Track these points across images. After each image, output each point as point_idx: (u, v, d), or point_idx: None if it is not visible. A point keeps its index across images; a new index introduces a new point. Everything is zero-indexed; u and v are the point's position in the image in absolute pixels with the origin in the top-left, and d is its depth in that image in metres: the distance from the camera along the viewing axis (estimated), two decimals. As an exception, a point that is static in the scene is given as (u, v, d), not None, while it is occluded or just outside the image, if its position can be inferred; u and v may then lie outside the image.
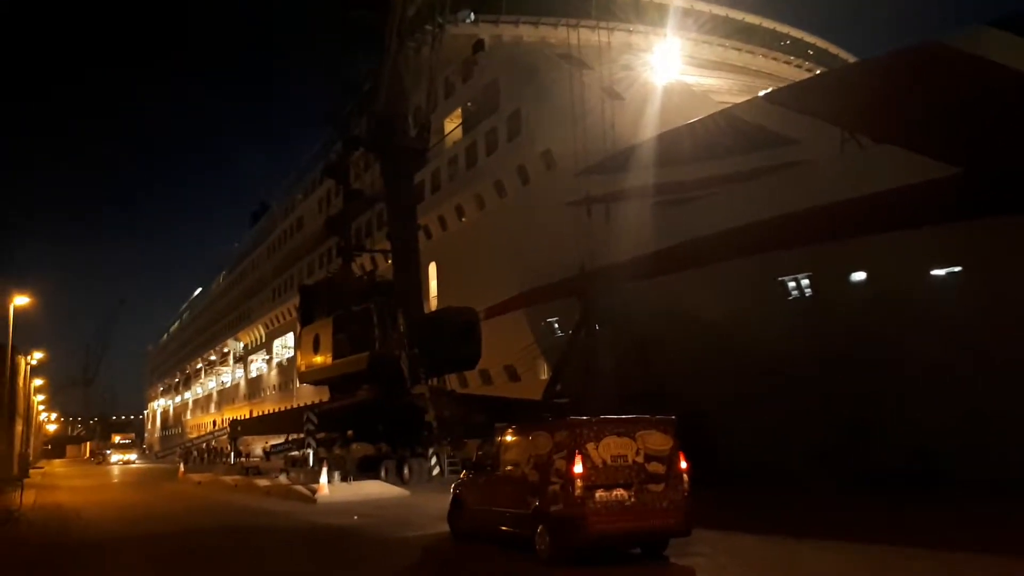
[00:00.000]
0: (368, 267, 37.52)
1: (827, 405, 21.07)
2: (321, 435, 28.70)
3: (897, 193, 20.67)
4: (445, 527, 13.93)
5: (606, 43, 33.33)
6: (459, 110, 39.72)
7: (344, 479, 22.99)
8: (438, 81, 32.66)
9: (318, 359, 31.46)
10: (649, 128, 28.39)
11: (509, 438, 11.97)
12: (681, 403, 17.64)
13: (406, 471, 24.47)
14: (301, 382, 39.80)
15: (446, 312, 29.88)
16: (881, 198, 20.93)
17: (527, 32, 37.89)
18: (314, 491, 20.74)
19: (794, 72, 39.87)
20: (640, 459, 10.10)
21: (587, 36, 33.84)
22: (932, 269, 20.93)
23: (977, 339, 19.06)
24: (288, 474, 27.58)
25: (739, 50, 39.20)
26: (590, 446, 9.98)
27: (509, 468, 11.64)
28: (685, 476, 10.31)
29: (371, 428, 27.57)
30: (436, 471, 24.31)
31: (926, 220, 20.26)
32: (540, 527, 10.43)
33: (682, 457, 10.37)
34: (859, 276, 22.22)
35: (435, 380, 28.17)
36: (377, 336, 28.20)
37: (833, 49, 43.12)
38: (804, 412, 21.03)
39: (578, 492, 9.83)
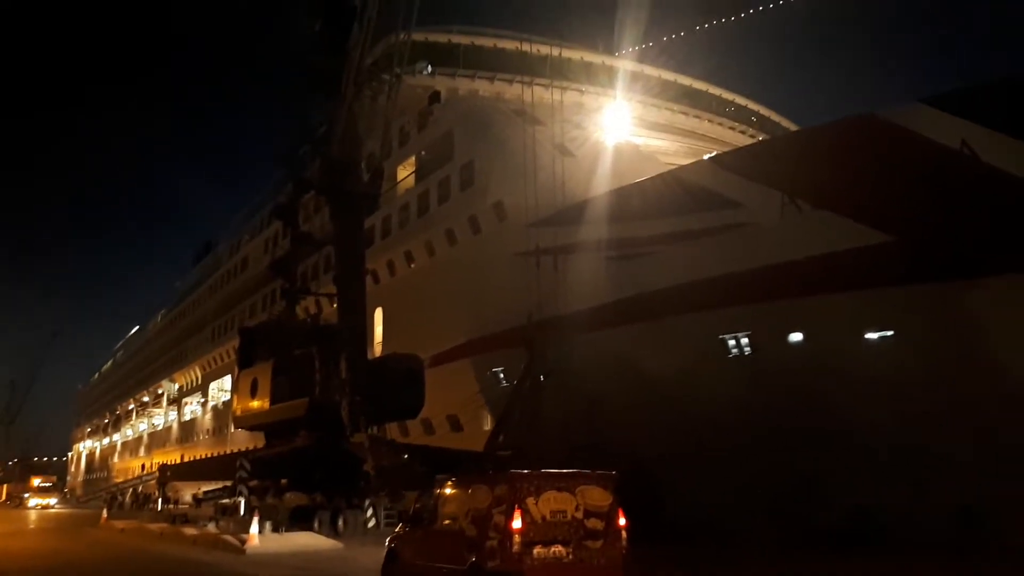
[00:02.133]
0: (312, 311, 37.05)
1: (769, 463, 21.36)
2: (254, 483, 27.83)
3: (833, 257, 21.41)
4: (376, 581, 13.58)
5: (558, 102, 34.11)
6: (413, 158, 39.99)
7: (276, 529, 22.24)
8: (393, 129, 32.90)
9: (255, 403, 30.68)
10: (599, 185, 29.00)
11: (448, 491, 11.79)
12: (625, 457, 17.71)
13: (340, 523, 23.78)
14: (236, 427, 38.73)
15: (390, 359, 29.54)
16: (818, 262, 21.65)
17: (483, 87, 38.57)
18: (243, 541, 20.02)
19: (738, 137, 41.29)
20: (579, 515, 10.04)
21: (540, 94, 34.64)
22: (866, 332, 21.57)
23: (909, 401, 19.62)
24: (217, 523, 26.58)
25: (686, 114, 40.48)
26: (530, 500, 9.89)
27: (447, 522, 11.44)
28: (623, 533, 10.27)
29: (307, 477, 26.81)
30: (372, 523, 23.69)
31: (860, 284, 21.00)
32: (476, 583, 10.24)
33: (621, 513, 10.34)
34: (796, 337, 22.79)
35: (375, 429, 27.66)
36: (318, 381, 27.68)
37: (775, 117, 44.81)
38: (746, 469, 21.27)
39: (516, 548, 9.70)
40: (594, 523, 10.04)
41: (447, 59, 38.91)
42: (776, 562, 16.89)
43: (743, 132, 42.08)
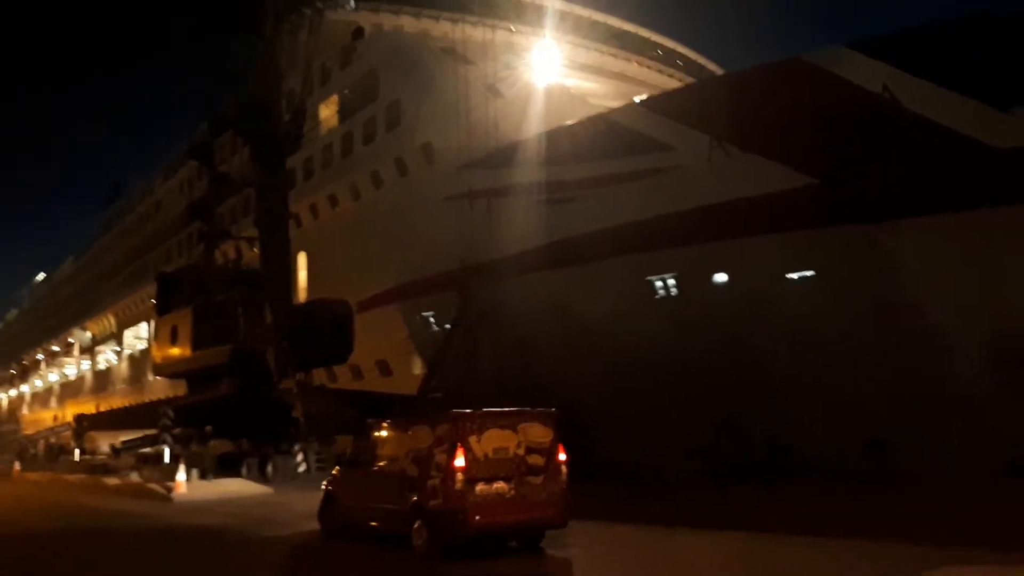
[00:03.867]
0: (233, 255, 35.85)
1: (693, 401, 21.97)
2: (178, 431, 27.13)
3: (757, 200, 21.79)
4: (314, 525, 13.44)
5: (488, 40, 33.37)
6: (335, 97, 38.60)
7: (203, 476, 21.83)
8: (314, 67, 31.64)
9: (176, 351, 29.74)
10: (530, 127, 28.64)
11: (386, 432, 11.67)
12: (558, 399, 17.90)
13: (269, 468, 23.52)
14: (156, 375, 37.54)
15: (318, 304, 28.96)
16: (742, 204, 21.99)
17: (408, 23, 37.37)
18: (170, 489, 19.55)
19: (665, 80, 41.31)
20: (521, 451, 10.07)
21: (469, 32, 33.80)
22: (787, 273, 22.17)
23: (827, 339, 20.36)
24: (140, 472, 25.88)
25: (615, 56, 40.21)
26: (472, 439, 9.85)
27: (386, 463, 11.34)
28: (563, 468, 10.35)
29: (232, 424, 26.31)
30: (302, 468, 23.48)
31: (783, 227, 21.48)
32: (418, 522, 10.20)
33: (561, 449, 10.41)
34: (721, 278, 23.27)
35: (302, 375, 27.23)
36: (242, 328, 26.96)
37: (702, 60, 45.01)
38: (672, 408, 21.81)
39: (458, 486, 9.68)
40: (535, 459, 10.09)
41: (371, -7, 37.56)
42: (698, 494, 17.49)
43: (671, 76, 42.11)
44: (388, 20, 37.46)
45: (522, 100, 30.35)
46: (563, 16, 38.64)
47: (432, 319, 31.72)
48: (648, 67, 41.56)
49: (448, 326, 29.77)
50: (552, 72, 34.21)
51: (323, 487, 13.13)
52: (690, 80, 41.66)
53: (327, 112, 38.56)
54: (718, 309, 22.69)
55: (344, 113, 37.49)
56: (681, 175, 23.25)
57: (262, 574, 10.63)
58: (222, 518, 15.83)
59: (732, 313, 22.08)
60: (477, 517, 9.69)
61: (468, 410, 10.38)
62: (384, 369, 35.39)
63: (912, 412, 18.95)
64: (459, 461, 9.72)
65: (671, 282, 24.41)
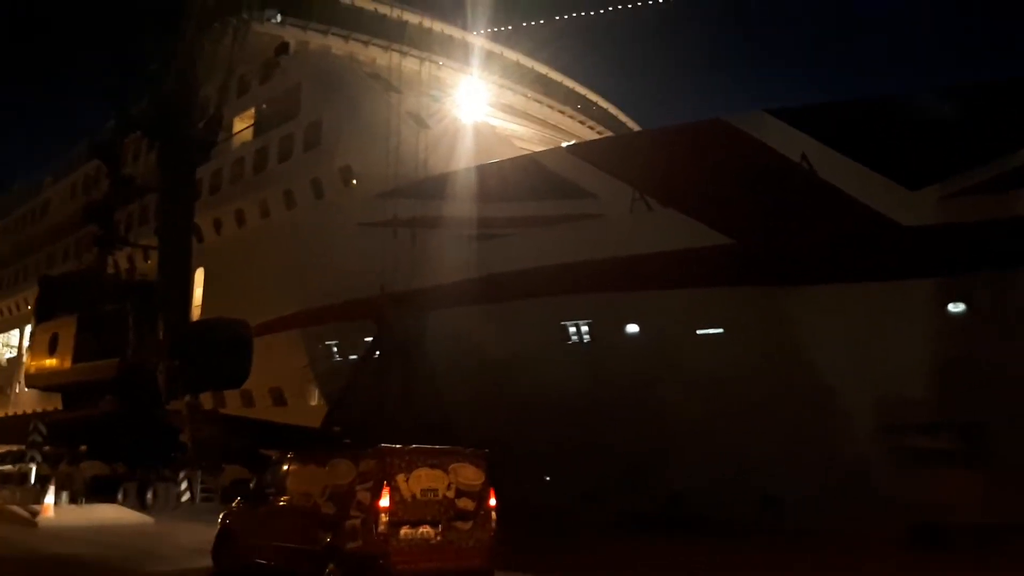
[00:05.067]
0: (126, 265, 33.65)
1: (597, 447, 21.86)
2: (47, 449, 24.83)
3: (673, 255, 22.18)
4: (202, 561, 12.35)
5: (416, 72, 33.08)
6: (252, 111, 37.31)
7: (73, 501, 19.92)
8: (233, 77, 30.48)
9: (53, 361, 27.42)
10: (455, 161, 28.39)
11: (299, 465, 10.80)
12: (467, 438, 17.37)
13: (149, 496, 21.72)
14: (28, 386, 34.49)
15: (216, 323, 27.37)
16: (659, 257, 22.36)
17: (336, 44, 36.66)
18: (36, 513, 17.66)
19: (584, 131, 42.03)
20: (451, 494, 9.44)
21: (397, 61, 33.53)
22: (697, 328, 22.53)
23: (731, 395, 20.70)
24: (0, 492, 23.44)
25: (539, 102, 40.67)
26: (400, 477, 9.17)
27: (297, 498, 10.45)
28: (493, 514, 9.78)
29: (110, 445, 24.30)
30: (186, 497, 21.81)
31: (695, 282, 21.90)
32: (330, 566, 9.36)
33: (492, 494, 9.85)
34: (633, 328, 23.46)
35: (192, 397, 25.56)
36: (131, 342, 25.09)
37: (622, 116, 46.14)
38: (576, 453, 21.63)
39: (382, 528, 8.95)
40: (465, 503, 9.49)
41: (299, 10, 36.67)
42: (602, 543, 17.22)
43: (591, 128, 42.92)
44: (315, 39, 36.67)
45: (449, 134, 30.09)
46: (491, 56, 38.87)
47: (335, 348, 30.64)
48: (570, 116, 42.21)
49: (352, 357, 28.87)
50: (478, 110, 34.23)
51: (220, 520, 12.04)
52: (608, 133, 42.61)
53: (241, 125, 37.16)
54: (628, 359, 22.83)
55: (260, 128, 36.22)
56: (603, 224, 23.47)
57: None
58: (96, 548, 14.33)
59: (641, 364, 22.26)
60: (400, 564, 8.97)
61: (397, 445, 9.74)
62: (278, 398, 33.86)
63: (806, 471, 19.41)
64: (384, 501, 9.01)
65: (584, 328, 24.46)
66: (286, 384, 33.08)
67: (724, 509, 19.71)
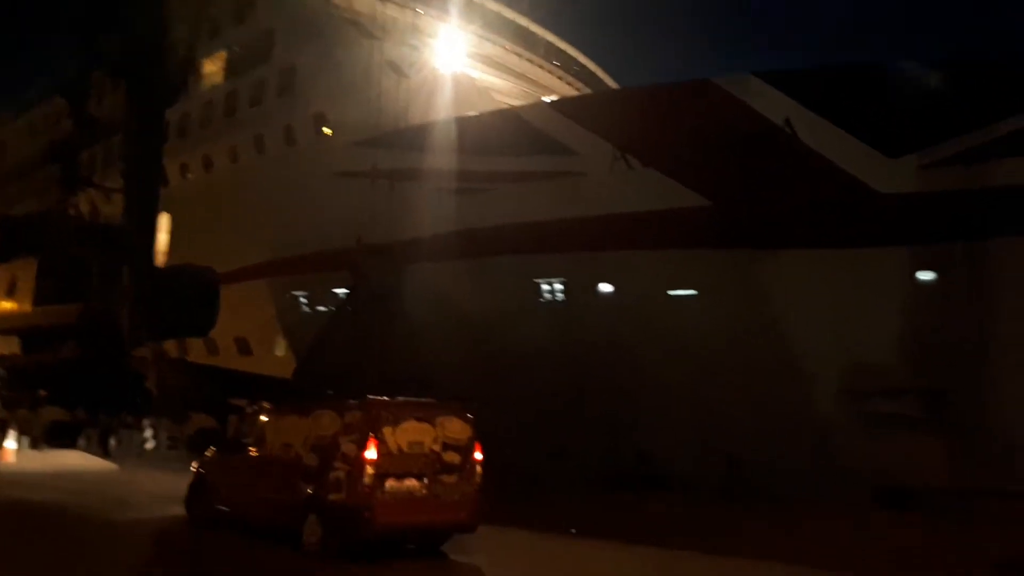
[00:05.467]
0: (88, 208, 32.62)
1: (566, 405, 21.92)
2: (4, 393, 24.24)
3: (652, 215, 22.06)
4: (173, 510, 12.11)
5: (394, 19, 32.13)
6: (223, 53, 36.02)
7: (34, 446, 19.48)
8: (204, 16, 29.30)
9: (11, 304, 26.62)
10: (434, 112, 27.75)
11: (281, 415, 10.54)
12: (442, 393, 17.21)
13: (112, 442, 21.33)
14: (-17, 329, 33.54)
15: (183, 269, 26.74)
16: (637, 218, 22.23)
17: (312, -14, 35.35)
18: (-4, 459, 17.26)
19: (564, 87, 41.35)
20: (437, 447, 9.26)
21: (375, 7, 32.56)
22: (670, 289, 22.55)
23: (701, 357, 20.82)
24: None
25: (519, 56, 39.84)
26: (387, 430, 8.96)
27: (277, 449, 10.21)
28: (479, 468, 9.64)
29: (70, 391, 23.77)
30: (150, 445, 21.48)
31: (671, 244, 21.85)
32: (311, 517, 9.18)
33: (478, 448, 9.71)
34: (607, 288, 23.40)
35: (155, 344, 25.06)
36: (95, 287, 24.41)
37: (600, 73, 45.50)
38: (546, 410, 21.65)
39: (367, 480, 8.75)
40: (451, 456, 9.32)
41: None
42: (574, 499, 17.33)
43: (569, 84, 42.26)
44: (291, -20, 35.28)
45: (428, 84, 29.37)
46: (470, 5, 37.84)
47: (304, 299, 30.17)
48: (549, 71, 41.48)
49: (321, 308, 28.44)
50: (457, 61, 33.41)
51: (194, 470, 11.77)
52: (587, 90, 41.98)
53: (212, 68, 35.90)
54: (601, 318, 22.79)
55: (231, 71, 35.02)
56: (582, 181, 23.19)
57: (124, 566, 9.20)
58: (63, 495, 13.96)
59: (614, 323, 22.25)
60: (384, 516, 8.80)
61: (384, 397, 9.52)
62: (243, 347, 33.33)
63: (772, 433, 19.69)
64: (370, 453, 8.81)
65: (558, 287, 24.32)
66: (252, 334, 32.56)
67: (691, 470, 19.97)
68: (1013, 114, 18.31)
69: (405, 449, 9.05)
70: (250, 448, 10.76)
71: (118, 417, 22.21)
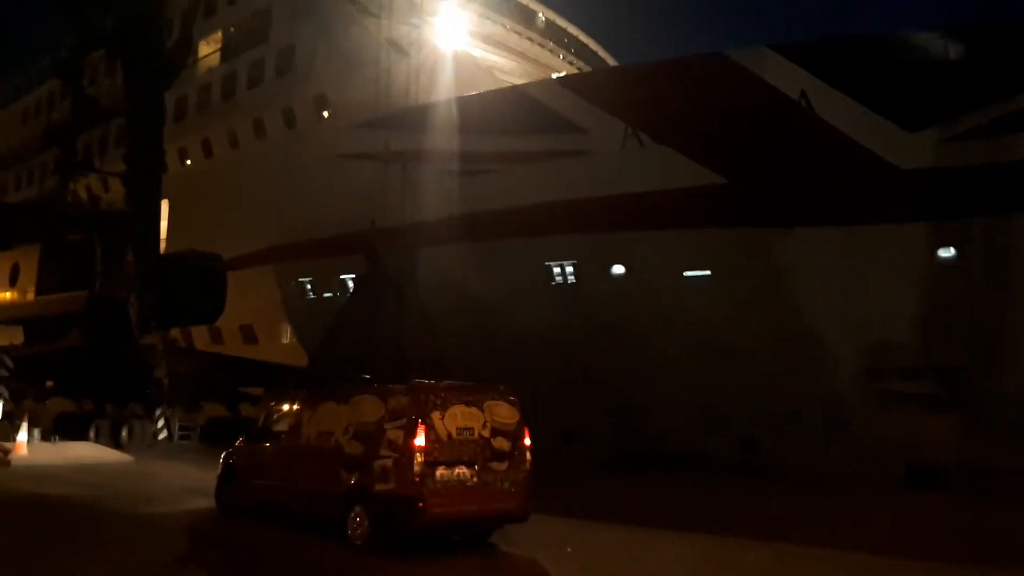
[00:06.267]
0: (87, 194, 32.00)
1: (580, 388, 21.68)
2: (10, 385, 23.74)
3: (665, 194, 21.72)
4: (199, 502, 11.87)
5: (395, -2, 31.48)
6: (219, 34, 35.33)
7: (45, 438, 19.06)
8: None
9: (14, 293, 26.09)
10: (437, 92, 27.26)
11: (317, 402, 10.17)
12: (458, 377, 16.92)
13: (124, 433, 20.94)
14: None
15: (189, 255, 26.26)
16: (650, 198, 21.88)
17: (308, -35, 34.60)
18: (7, 451, 16.81)
19: (564, 67, 40.82)
20: (487, 433, 8.91)
21: (372, -17, 31.89)
22: (684, 271, 22.26)
23: (716, 338, 20.58)
24: (-40, 429, 22.37)
25: (519, 34, 39.28)
26: (435, 415, 8.60)
27: (315, 437, 9.86)
28: (528, 455, 9.31)
29: (78, 381, 23.33)
30: (163, 436, 21.11)
31: (685, 223, 21.53)
32: (357, 508, 8.85)
33: (527, 433, 9.38)
34: (619, 270, 23.10)
35: (164, 332, 24.64)
36: (99, 273, 23.91)
37: (601, 52, 44.95)
38: (559, 393, 21.39)
39: (416, 468, 8.41)
40: (500, 442, 8.98)
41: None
42: (601, 484, 17.10)
43: (571, 63, 41.73)
44: (286, -42, 34.53)
45: (430, 62, 28.85)
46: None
47: (309, 285, 29.78)
48: (551, 51, 40.94)
49: (328, 294, 28.06)
50: (458, 39, 32.86)
51: (222, 460, 11.43)
52: (587, 68, 41.44)
53: (208, 49, 35.22)
54: (613, 300, 22.53)
55: (227, 53, 34.38)
56: (593, 160, 22.82)
57: (164, 562, 8.84)
58: (80, 489, 13.57)
59: (626, 305, 21.99)
60: (436, 507, 8.44)
61: (429, 381, 9.17)
62: (249, 335, 32.94)
63: (789, 413, 19.51)
64: (419, 440, 8.46)
65: (569, 269, 24.02)
66: (257, 321, 32.17)
67: (706, 450, 19.81)
68: (1035, 83, 18.03)
69: (454, 435, 8.70)
70: (284, 436, 10.43)
71: (128, 407, 21.82)
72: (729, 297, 20.88)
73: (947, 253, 19.71)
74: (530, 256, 23.62)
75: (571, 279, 24.11)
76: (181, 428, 21.55)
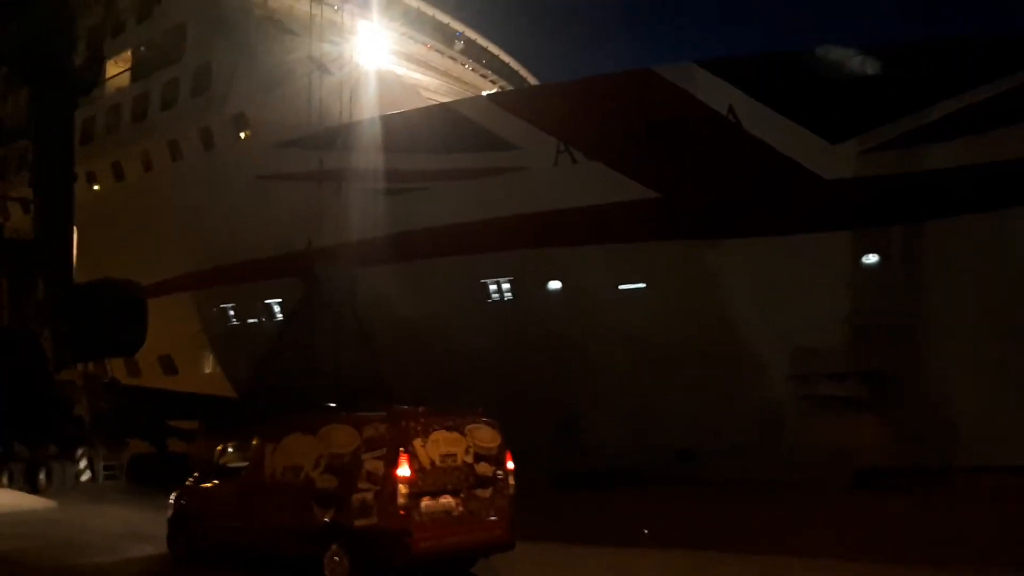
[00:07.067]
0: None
1: (519, 406, 21.45)
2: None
3: (598, 209, 21.90)
4: (144, 548, 11.10)
5: (312, 16, 30.88)
6: (128, 53, 33.77)
7: (-47, 487, 17.54)
8: (112, 12, 27.23)
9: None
10: (363, 110, 26.74)
11: (281, 433, 9.58)
12: (398, 400, 16.46)
13: (42, 476, 19.46)
14: None
15: (106, 284, 24.80)
16: (584, 212, 22.02)
17: (223, -18, 33.54)
18: (-88, 504, 15.36)
19: (487, 85, 40.88)
20: (470, 459, 8.54)
21: (290, 2, 31.24)
22: (620, 284, 22.44)
23: (652, 350, 20.79)
24: None
25: (441, 53, 39.14)
26: (417, 442, 8.19)
27: (280, 472, 9.26)
28: (511, 479, 8.99)
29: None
30: (86, 476, 19.73)
31: (620, 237, 21.74)
32: (334, 547, 8.35)
33: (509, 457, 9.07)
34: (555, 285, 23.12)
35: (84, 365, 23.20)
36: (6, 304, 22.32)
37: (523, 72, 45.24)
38: (499, 412, 21.09)
39: (402, 501, 7.96)
40: (484, 468, 8.62)
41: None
42: (547, 503, 16.81)
43: (493, 81, 41.81)
44: (199, -25, 33.37)
45: (354, 80, 28.30)
46: (390, 2, 36.82)
47: (232, 311, 28.66)
48: (472, 69, 40.93)
49: (252, 320, 27.07)
50: (380, 58, 32.43)
51: (173, 501, 10.66)
52: (510, 87, 41.59)
53: (116, 70, 33.59)
54: (550, 316, 22.51)
55: (138, 73, 32.87)
56: (525, 177, 22.80)
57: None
58: (4, 540, 12.47)
59: (564, 321, 22.00)
60: (423, 540, 8.00)
61: (406, 407, 8.77)
62: (168, 366, 31.40)
63: (723, 423, 19.85)
64: (403, 470, 8.01)
65: (506, 287, 23.89)
66: (177, 351, 30.70)
67: (643, 463, 19.89)
68: (946, 97, 18.98)
69: (438, 463, 8.29)
70: (243, 473, 9.80)
71: (44, 448, 20.29)
72: (663, 309, 21.12)
73: (870, 260, 20.43)
74: (466, 274, 23.36)
75: (508, 296, 23.95)
76: (106, 467, 20.22)
